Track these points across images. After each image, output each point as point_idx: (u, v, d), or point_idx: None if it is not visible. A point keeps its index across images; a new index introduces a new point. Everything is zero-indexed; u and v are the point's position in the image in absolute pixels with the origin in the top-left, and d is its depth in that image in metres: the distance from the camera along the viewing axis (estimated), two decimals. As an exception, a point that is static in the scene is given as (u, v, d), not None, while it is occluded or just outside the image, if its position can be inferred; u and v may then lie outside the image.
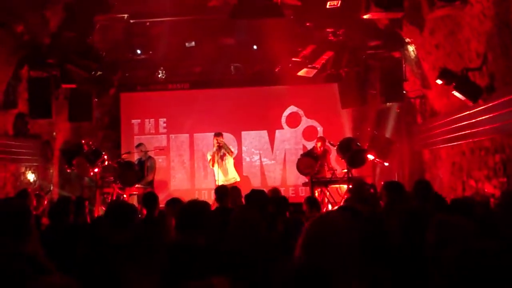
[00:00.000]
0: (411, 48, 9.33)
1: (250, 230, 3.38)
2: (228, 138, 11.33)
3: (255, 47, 11.37)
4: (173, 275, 2.51)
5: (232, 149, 10.70)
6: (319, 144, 10.17)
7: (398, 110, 10.61)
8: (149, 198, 6.02)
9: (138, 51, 11.06)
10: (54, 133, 10.70)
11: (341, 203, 8.61)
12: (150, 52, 11.23)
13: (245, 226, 3.45)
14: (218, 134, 10.47)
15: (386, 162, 9.57)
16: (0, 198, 6.83)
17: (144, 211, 6.04)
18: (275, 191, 7.73)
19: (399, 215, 3.09)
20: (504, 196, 3.07)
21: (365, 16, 7.21)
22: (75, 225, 5.30)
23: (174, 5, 9.50)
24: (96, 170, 9.26)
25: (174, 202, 5.75)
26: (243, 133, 12.34)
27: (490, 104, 6.98)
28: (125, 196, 9.27)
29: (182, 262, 2.59)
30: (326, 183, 9.61)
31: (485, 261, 1.88)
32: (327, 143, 10.31)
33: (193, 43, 10.89)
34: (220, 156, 10.33)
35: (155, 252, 2.67)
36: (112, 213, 3.50)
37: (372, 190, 6.68)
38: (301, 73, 10.77)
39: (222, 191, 6.51)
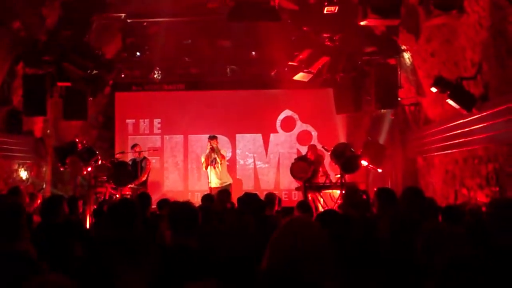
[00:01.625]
0: (406, 55, 9.39)
1: (244, 233, 3.40)
2: (222, 140, 11.36)
3: (253, 53, 11.43)
4: (165, 277, 2.53)
5: (224, 153, 10.69)
6: (309, 153, 10.22)
7: (392, 117, 10.65)
8: (142, 198, 6.04)
9: (138, 53, 11.08)
10: (48, 131, 10.68)
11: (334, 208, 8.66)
12: (147, 52, 11.24)
13: (239, 228, 3.47)
14: (212, 137, 10.49)
15: (380, 168, 9.61)
16: (-8, 195, 6.81)
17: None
18: (268, 195, 7.73)
19: (388, 222, 3.13)
20: (493, 205, 3.12)
21: (362, 23, 7.25)
22: (67, 223, 5.28)
23: (172, 6, 9.51)
24: (89, 169, 9.24)
25: (166, 203, 5.81)
26: (238, 135, 12.37)
27: (484, 113, 7.03)
28: (117, 196, 9.26)
29: (174, 263, 2.61)
30: (319, 188, 9.64)
31: (474, 268, 1.92)
32: (321, 148, 10.35)
33: (189, 40, 10.97)
34: (211, 160, 10.37)
35: (147, 252, 2.69)
36: (116, 211, 3.48)
37: (364, 196, 6.70)
38: (297, 77, 10.82)
39: (208, 198, 6.63)
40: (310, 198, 9.42)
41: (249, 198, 5.88)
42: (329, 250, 2.11)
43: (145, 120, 12.43)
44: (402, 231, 3.09)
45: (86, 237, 3.45)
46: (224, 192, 7.14)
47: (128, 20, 10.05)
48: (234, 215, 5.31)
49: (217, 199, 6.72)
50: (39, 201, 7.43)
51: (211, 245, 3.20)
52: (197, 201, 7.63)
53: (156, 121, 12.43)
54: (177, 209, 3.63)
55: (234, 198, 6.69)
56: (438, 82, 7.43)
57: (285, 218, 6.32)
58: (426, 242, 2.56)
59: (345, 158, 9.28)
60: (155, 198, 8.10)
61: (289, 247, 2.09)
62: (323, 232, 2.17)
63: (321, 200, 9.57)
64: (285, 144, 12.40)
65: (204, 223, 3.55)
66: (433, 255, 2.40)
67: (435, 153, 9.10)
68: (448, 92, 7.24)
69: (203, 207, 5.31)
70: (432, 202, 4.86)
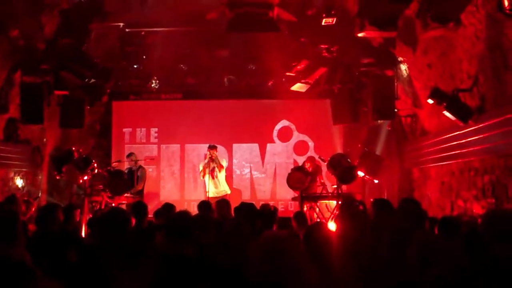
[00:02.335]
0: (403, 67, 9.45)
1: (240, 243, 3.40)
2: (219, 150, 11.35)
3: (252, 66, 11.50)
4: (162, 284, 2.53)
5: (223, 163, 10.70)
6: (308, 164, 10.23)
7: (389, 128, 10.69)
8: (138, 208, 6.03)
9: (135, 66, 11.13)
10: (45, 139, 10.66)
11: (330, 219, 8.67)
12: (144, 62, 11.28)
13: (236, 238, 3.47)
14: (212, 147, 10.52)
15: (376, 179, 9.63)
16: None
17: (133, 220, 6.04)
18: (264, 206, 7.73)
19: (385, 232, 3.14)
20: (488, 215, 3.13)
21: (359, 34, 7.30)
22: (62, 231, 5.27)
23: (170, 16, 9.55)
24: (85, 177, 9.22)
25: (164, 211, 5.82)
26: (234, 145, 12.38)
27: (480, 125, 7.07)
28: (113, 205, 9.22)
29: (170, 272, 2.61)
30: (315, 198, 9.64)
31: (467, 280, 1.92)
32: (318, 159, 10.37)
33: (187, 50, 11.04)
34: (210, 170, 10.37)
35: (144, 258, 2.69)
36: (106, 219, 3.50)
37: (361, 207, 6.71)
38: (295, 88, 10.85)
39: (204, 206, 6.61)
40: (306, 208, 9.41)
41: (245, 208, 5.88)
42: (307, 262, 2.21)
43: (142, 129, 12.43)
44: (396, 242, 3.10)
45: (81, 244, 3.44)
46: (224, 201, 7.14)
47: (127, 30, 10.09)
48: (231, 225, 5.31)
49: (216, 208, 6.71)
50: (33, 209, 7.42)
51: (208, 254, 3.19)
52: (193, 210, 7.63)
53: (153, 130, 12.43)
54: (173, 218, 3.64)
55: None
56: (435, 93, 7.47)
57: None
58: (419, 254, 2.56)
59: (342, 169, 9.29)
60: (151, 208, 8.08)
61: (270, 260, 2.29)
62: (298, 246, 2.27)
63: (317, 209, 9.57)
64: (281, 154, 12.41)
65: (201, 231, 3.55)
66: (426, 266, 2.40)
67: (431, 165, 9.13)
68: (445, 104, 7.27)
69: (201, 215, 5.31)
70: (424, 213, 4.88)
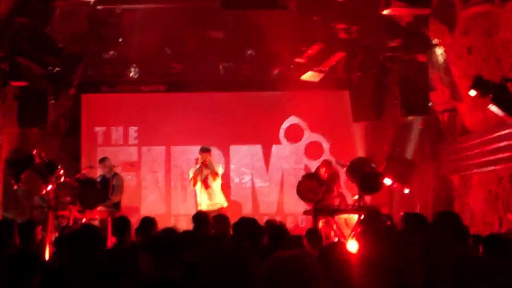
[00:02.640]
0: (439, 51, 9.45)
1: (237, 266, 3.41)
2: (213, 153, 11.35)
3: (252, 51, 11.53)
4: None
5: (219, 169, 10.69)
6: (323, 170, 10.22)
7: (422, 126, 10.70)
8: (120, 223, 6.08)
9: (110, 52, 11.13)
10: (-1, 140, 10.68)
11: (351, 237, 8.66)
12: (121, 46, 11.30)
13: (232, 261, 3.48)
14: (204, 150, 10.54)
15: (406, 188, 9.64)
16: None
17: (114, 239, 6.12)
18: (269, 222, 7.74)
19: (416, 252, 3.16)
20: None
21: (384, 12, 7.31)
22: (20, 254, 5.27)
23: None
24: (49, 187, 9.23)
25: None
26: (232, 147, 12.40)
27: (534, 122, 7.08)
28: (84, 220, 9.23)
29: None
30: (332, 212, 9.63)
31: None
32: (335, 164, 10.38)
33: (173, 31, 11.06)
34: (202, 178, 10.37)
35: (125, 280, 2.71)
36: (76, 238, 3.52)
37: (388, 222, 6.74)
38: (305, 77, 10.87)
39: (200, 219, 6.62)
40: (320, 224, 9.41)
41: (246, 225, 5.88)
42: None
43: (118, 128, 12.45)
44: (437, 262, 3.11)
45: (44, 268, 3.45)
46: (221, 217, 7.16)
47: (98, 7, 10.12)
48: (229, 244, 5.32)
49: (213, 224, 6.74)
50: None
51: (199, 276, 3.21)
52: (182, 227, 7.63)
53: (132, 129, 12.45)
54: (157, 236, 3.66)
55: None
56: (478, 83, 7.46)
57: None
58: (459, 272, 2.57)
59: (364, 176, 9.30)
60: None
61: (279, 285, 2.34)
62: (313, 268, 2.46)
63: (334, 225, 9.56)
64: (290, 158, 12.43)
65: (191, 249, 3.58)
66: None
67: (475, 170, 9.13)
68: (490, 96, 7.27)
69: (188, 231, 5.33)
70: (466, 229, 4.90)
